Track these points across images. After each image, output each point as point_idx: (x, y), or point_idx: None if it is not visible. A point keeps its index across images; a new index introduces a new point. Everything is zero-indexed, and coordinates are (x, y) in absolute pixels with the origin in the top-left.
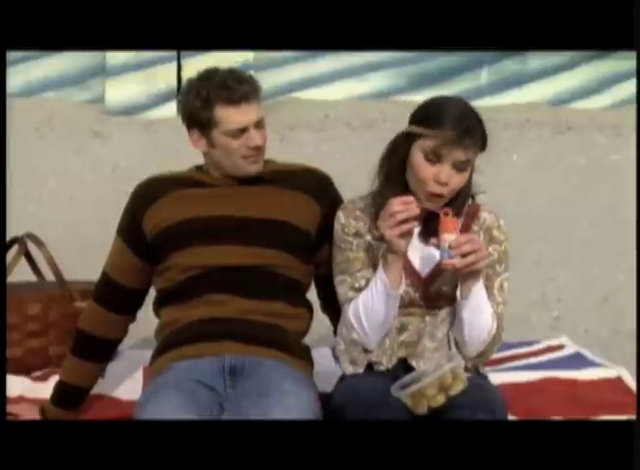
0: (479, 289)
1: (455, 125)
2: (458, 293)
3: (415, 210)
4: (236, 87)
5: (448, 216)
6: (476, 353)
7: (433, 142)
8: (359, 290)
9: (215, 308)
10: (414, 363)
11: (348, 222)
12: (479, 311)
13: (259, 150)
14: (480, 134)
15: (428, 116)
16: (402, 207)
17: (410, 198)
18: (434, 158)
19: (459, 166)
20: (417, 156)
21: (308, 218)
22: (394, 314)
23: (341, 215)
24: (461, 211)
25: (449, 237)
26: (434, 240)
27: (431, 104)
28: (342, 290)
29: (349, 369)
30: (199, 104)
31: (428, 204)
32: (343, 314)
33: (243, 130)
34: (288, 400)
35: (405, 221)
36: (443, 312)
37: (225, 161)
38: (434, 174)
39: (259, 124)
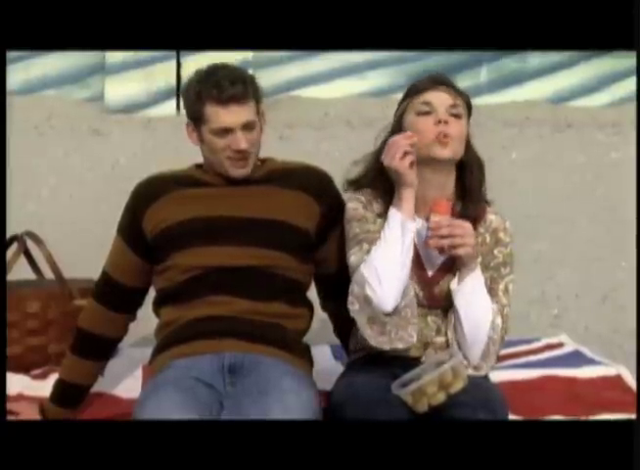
0: (472, 280)
1: (430, 76)
2: (453, 283)
3: (416, 139)
4: (227, 87)
5: (442, 199)
6: (480, 353)
7: (420, 96)
8: None
9: (215, 309)
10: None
11: (370, 202)
12: (473, 303)
13: (244, 154)
14: (455, 86)
15: (409, 88)
16: (407, 140)
17: (409, 132)
18: (425, 108)
19: (452, 112)
20: (410, 117)
21: (308, 218)
22: (409, 262)
23: (361, 197)
24: (476, 213)
25: (434, 218)
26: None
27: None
28: (357, 258)
29: (368, 332)
30: (192, 98)
31: (439, 151)
32: (356, 273)
33: (227, 131)
34: (287, 399)
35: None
36: (445, 309)
37: (212, 158)
38: (434, 120)
39: (248, 127)
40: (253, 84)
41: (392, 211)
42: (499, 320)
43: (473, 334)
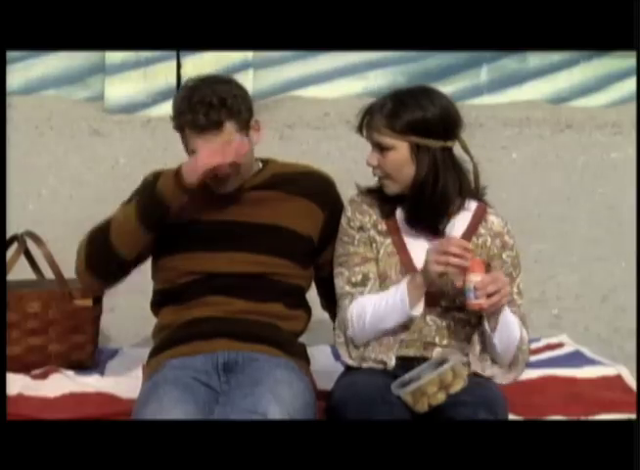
0: (504, 316)
1: (367, 108)
2: (486, 325)
3: (466, 262)
4: (200, 118)
5: (475, 257)
6: (508, 363)
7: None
8: (355, 284)
9: (212, 310)
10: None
11: (354, 216)
12: (507, 334)
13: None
14: (393, 116)
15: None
16: (459, 251)
17: (469, 245)
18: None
19: (378, 148)
20: None
21: (310, 224)
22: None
23: (348, 209)
24: (446, 210)
25: (475, 278)
26: (459, 282)
27: None
28: (339, 283)
29: (349, 361)
30: (175, 113)
31: (384, 188)
32: (342, 309)
33: None
34: (279, 388)
35: (451, 264)
36: (444, 309)
37: None
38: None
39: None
40: (236, 102)
41: (401, 293)
42: (525, 333)
43: (504, 352)
